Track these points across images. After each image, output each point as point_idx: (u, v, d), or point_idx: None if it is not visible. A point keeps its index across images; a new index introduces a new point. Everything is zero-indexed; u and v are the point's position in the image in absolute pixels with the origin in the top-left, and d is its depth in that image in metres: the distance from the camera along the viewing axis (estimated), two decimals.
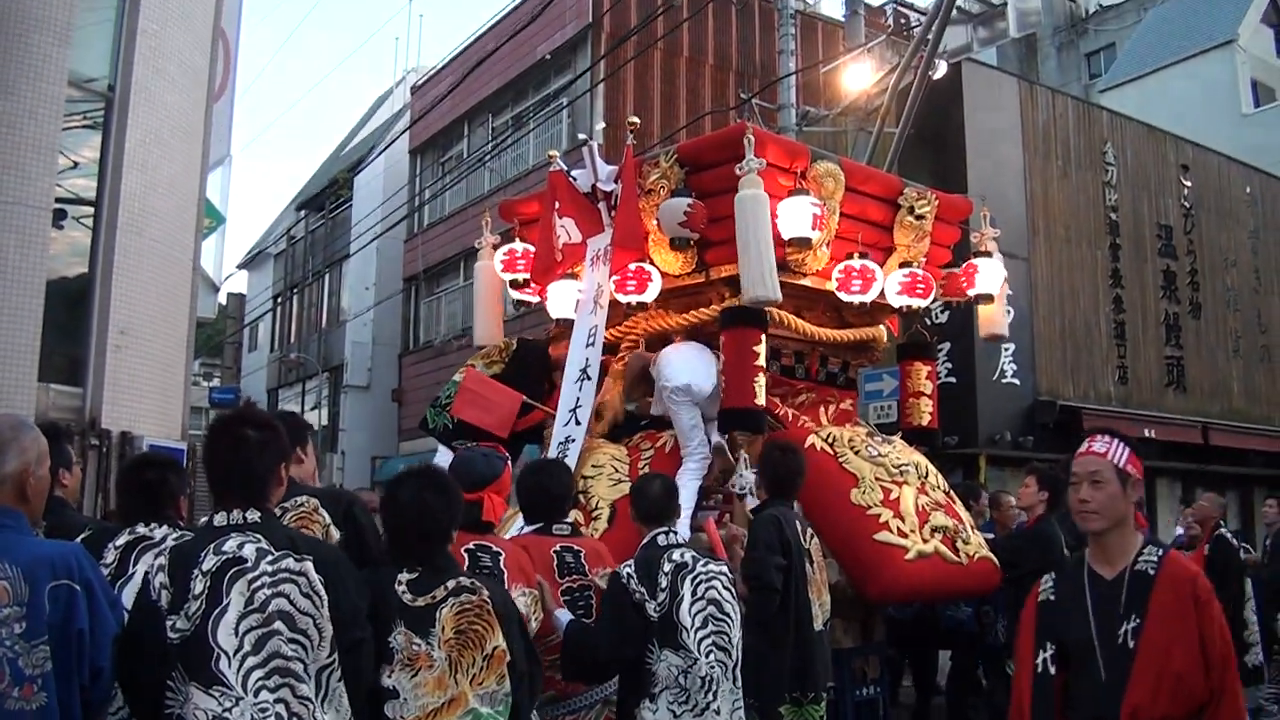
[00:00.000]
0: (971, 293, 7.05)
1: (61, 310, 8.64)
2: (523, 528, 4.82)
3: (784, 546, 4.67)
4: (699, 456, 5.83)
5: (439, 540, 3.21)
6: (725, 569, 4.19)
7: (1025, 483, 6.84)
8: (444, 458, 6.44)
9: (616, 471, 5.79)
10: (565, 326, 6.71)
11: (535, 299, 7.16)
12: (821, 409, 6.63)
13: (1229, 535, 8.11)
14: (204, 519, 2.89)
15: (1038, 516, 6.61)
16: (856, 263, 6.31)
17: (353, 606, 2.81)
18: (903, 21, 16.11)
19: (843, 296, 6.37)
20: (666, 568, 4.00)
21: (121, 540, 3.40)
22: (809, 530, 4.93)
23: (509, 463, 5.02)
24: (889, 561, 5.56)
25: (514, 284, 7.14)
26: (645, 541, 4.21)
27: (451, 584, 3.09)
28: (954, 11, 12.43)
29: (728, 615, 4.06)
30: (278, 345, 32.74)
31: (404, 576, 3.07)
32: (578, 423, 6.01)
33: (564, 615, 4.01)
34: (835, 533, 5.64)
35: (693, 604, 3.96)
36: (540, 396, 6.48)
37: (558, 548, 4.25)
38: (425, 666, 2.98)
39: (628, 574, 4.01)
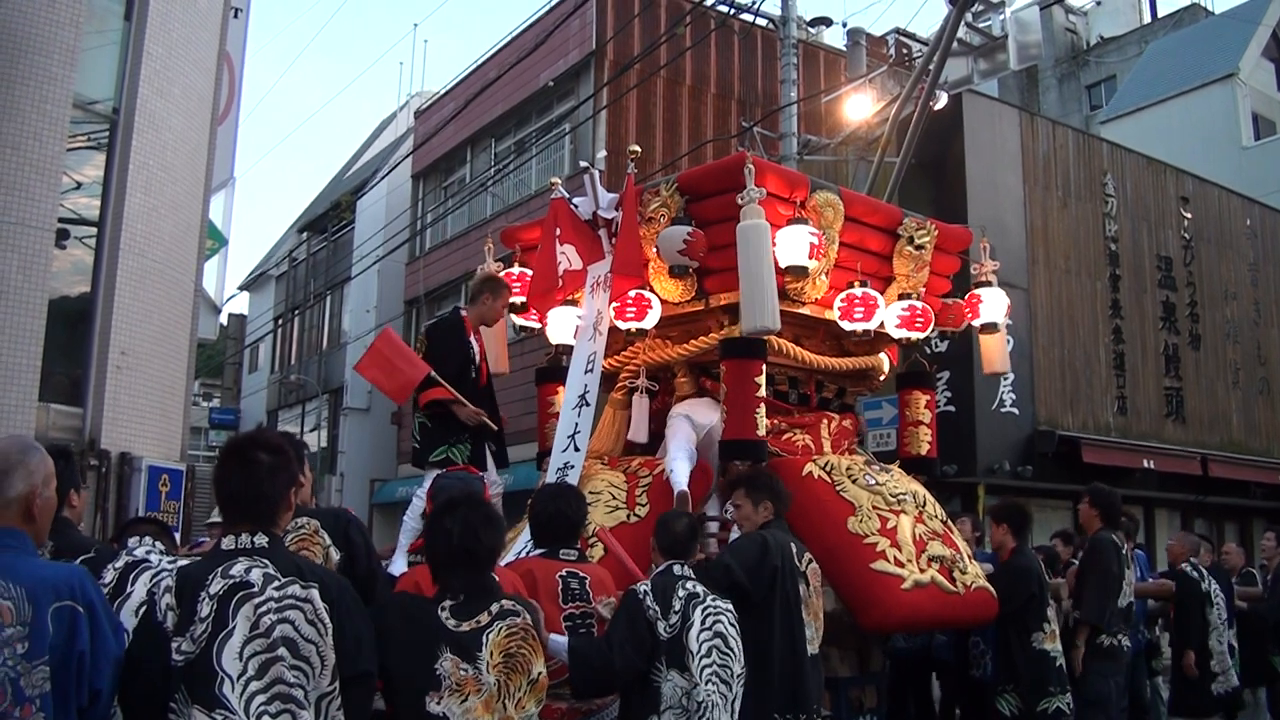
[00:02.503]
0: (977, 323, 7.07)
1: (63, 330, 8.67)
2: (526, 550, 4.86)
3: (758, 564, 4.67)
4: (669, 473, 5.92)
5: (486, 566, 3.32)
6: (730, 606, 4.31)
7: (992, 530, 7.05)
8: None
9: (614, 499, 5.79)
10: (490, 286, 6.71)
11: (536, 324, 7.17)
12: (823, 424, 6.64)
13: (1190, 569, 8.09)
14: (210, 541, 2.91)
15: (1010, 550, 6.66)
16: (858, 291, 6.32)
17: (357, 636, 2.82)
18: (904, 52, 16.18)
19: (845, 325, 6.37)
20: (681, 593, 4.15)
21: (121, 562, 3.42)
22: (806, 554, 4.93)
23: (484, 482, 5.03)
24: (886, 590, 5.54)
25: (512, 308, 7.14)
26: (661, 569, 4.34)
27: (496, 608, 3.17)
28: (955, 43, 12.50)
29: (731, 650, 4.18)
30: (278, 367, 32.75)
31: (447, 602, 3.14)
32: (576, 449, 6.01)
33: (560, 640, 4.05)
34: (832, 561, 5.63)
35: (700, 632, 4.10)
36: (455, 367, 6.38)
37: (563, 573, 4.31)
38: (474, 691, 3.03)
39: (644, 591, 4.14)
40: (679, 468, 5.81)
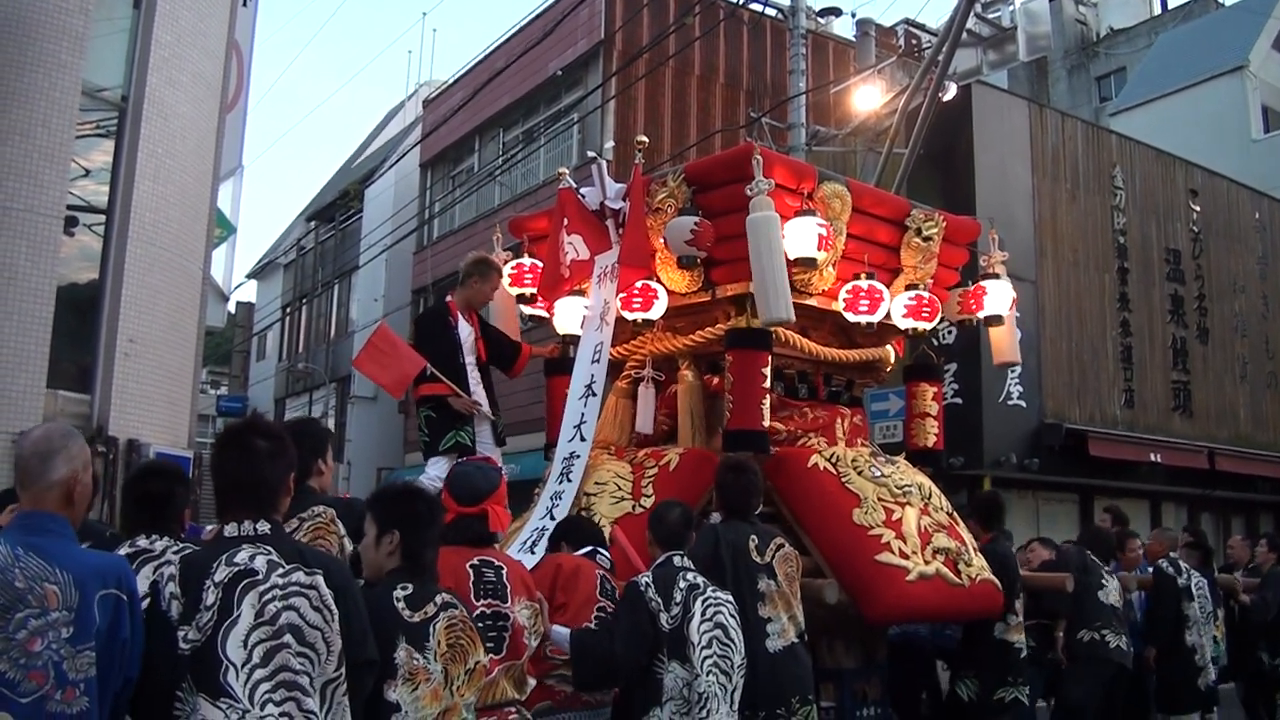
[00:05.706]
0: (981, 315, 7.06)
1: (71, 317, 8.68)
2: (533, 539, 5.02)
3: (711, 559, 4.65)
4: None
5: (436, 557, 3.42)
6: (730, 598, 4.36)
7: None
8: (435, 469, 6.50)
9: (620, 489, 5.79)
10: (478, 269, 6.77)
11: (544, 314, 7.17)
12: (838, 422, 6.63)
13: (1166, 566, 8.09)
14: (211, 528, 2.92)
15: (984, 541, 6.65)
16: (864, 283, 6.30)
17: (362, 625, 2.85)
18: (913, 43, 16.14)
19: (850, 317, 6.35)
20: (681, 585, 4.21)
21: (123, 552, 3.42)
22: (773, 544, 4.86)
23: (504, 474, 5.08)
24: (890, 582, 5.54)
25: (521, 298, 7.14)
26: (661, 560, 4.40)
27: (439, 599, 3.24)
28: (964, 34, 12.47)
29: (732, 641, 4.23)
30: (286, 355, 32.79)
31: (399, 593, 3.19)
32: (583, 439, 6.03)
33: (562, 631, 4.10)
34: (837, 553, 5.64)
35: (701, 624, 4.15)
36: (442, 356, 6.45)
37: (602, 574, 4.58)
38: (424, 680, 3.09)
39: (645, 583, 4.21)
40: None
